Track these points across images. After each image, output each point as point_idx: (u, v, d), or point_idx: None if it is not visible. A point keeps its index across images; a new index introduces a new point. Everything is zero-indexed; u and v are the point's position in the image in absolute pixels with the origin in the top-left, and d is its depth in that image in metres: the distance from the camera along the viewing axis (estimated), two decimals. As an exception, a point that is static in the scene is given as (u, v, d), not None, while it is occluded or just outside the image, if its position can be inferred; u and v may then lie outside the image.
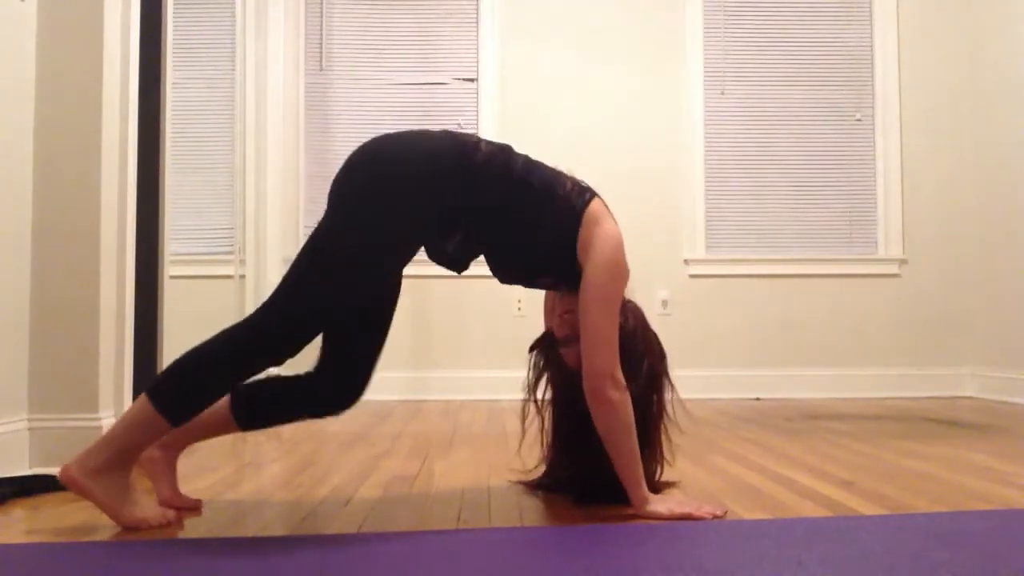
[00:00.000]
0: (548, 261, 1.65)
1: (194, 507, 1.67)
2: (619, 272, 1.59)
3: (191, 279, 3.53)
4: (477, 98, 4.18)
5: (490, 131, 4.04)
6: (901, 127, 4.27)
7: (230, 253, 3.64)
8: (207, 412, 1.58)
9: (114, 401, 2.16)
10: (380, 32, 4.23)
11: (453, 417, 3.30)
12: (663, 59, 4.26)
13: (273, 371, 1.64)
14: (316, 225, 1.60)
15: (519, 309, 4.05)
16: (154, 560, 1.31)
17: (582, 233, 1.60)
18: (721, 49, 4.29)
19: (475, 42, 4.23)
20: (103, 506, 1.50)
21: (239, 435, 2.75)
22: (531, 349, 1.80)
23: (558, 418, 1.76)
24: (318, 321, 1.57)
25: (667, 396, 1.72)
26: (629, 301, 1.74)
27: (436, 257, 1.68)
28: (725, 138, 4.28)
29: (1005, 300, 3.98)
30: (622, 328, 1.63)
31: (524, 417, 1.77)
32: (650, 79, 4.25)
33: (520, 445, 1.82)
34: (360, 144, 1.65)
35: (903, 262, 4.25)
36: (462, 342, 4.12)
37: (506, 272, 1.73)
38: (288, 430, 2.91)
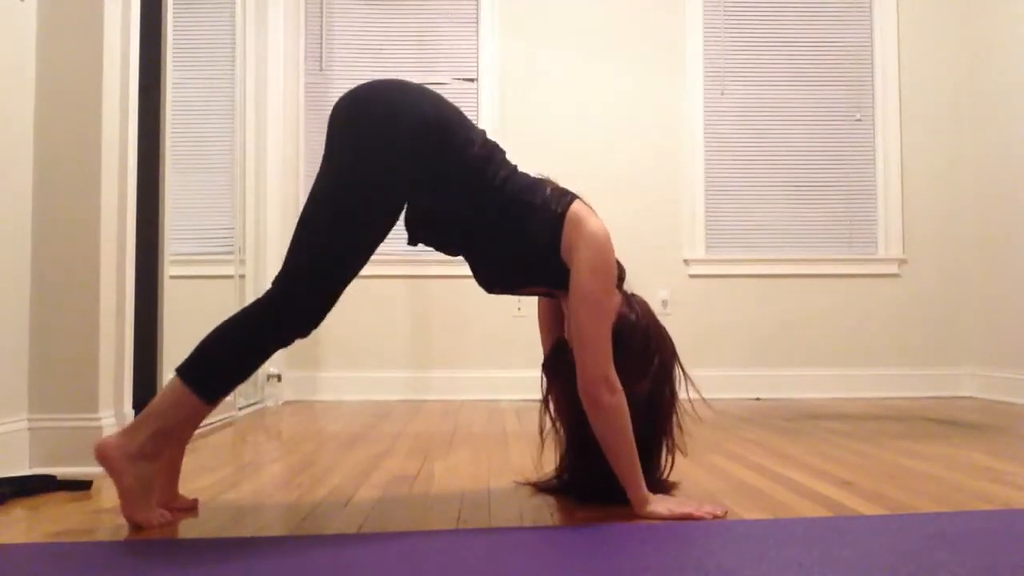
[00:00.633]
0: (537, 269, 1.65)
1: (190, 507, 1.66)
2: (604, 273, 1.59)
3: (191, 279, 3.52)
4: (477, 98, 4.18)
5: (490, 131, 4.03)
6: (901, 127, 4.27)
7: (230, 253, 3.64)
8: (167, 401, 1.54)
9: (114, 401, 2.16)
10: (380, 32, 4.23)
11: (453, 417, 3.30)
12: (663, 59, 4.26)
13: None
14: (318, 176, 1.60)
15: (519, 309, 4.04)
16: (154, 560, 1.31)
17: (564, 237, 1.60)
18: (721, 49, 4.29)
19: (475, 42, 4.23)
20: (123, 493, 1.49)
21: (239, 435, 2.76)
22: (543, 367, 1.79)
23: (572, 423, 1.72)
24: (349, 271, 1.57)
25: (680, 389, 1.71)
26: (634, 295, 1.74)
27: (408, 217, 1.66)
28: (725, 138, 4.28)
29: (1005, 300, 3.98)
30: (628, 321, 1.64)
31: (542, 429, 1.77)
32: (650, 79, 4.25)
33: (540, 456, 1.81)
34: (362, 84, 1.66)
35: (903, 262, 4.25)
36: (462, 342, 4.12)
37: (492, 280, 1.74)
38: (288, 430, 2.91)
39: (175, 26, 2.75)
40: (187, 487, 1.82)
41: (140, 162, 2.34)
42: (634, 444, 1.56)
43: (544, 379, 1.78)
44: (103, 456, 1.49)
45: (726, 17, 4.30)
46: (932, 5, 4.32)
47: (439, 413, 3.46)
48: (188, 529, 1.52)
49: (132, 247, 2.27)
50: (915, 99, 4.28)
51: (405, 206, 1.64)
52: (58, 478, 1.88)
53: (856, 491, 1.82)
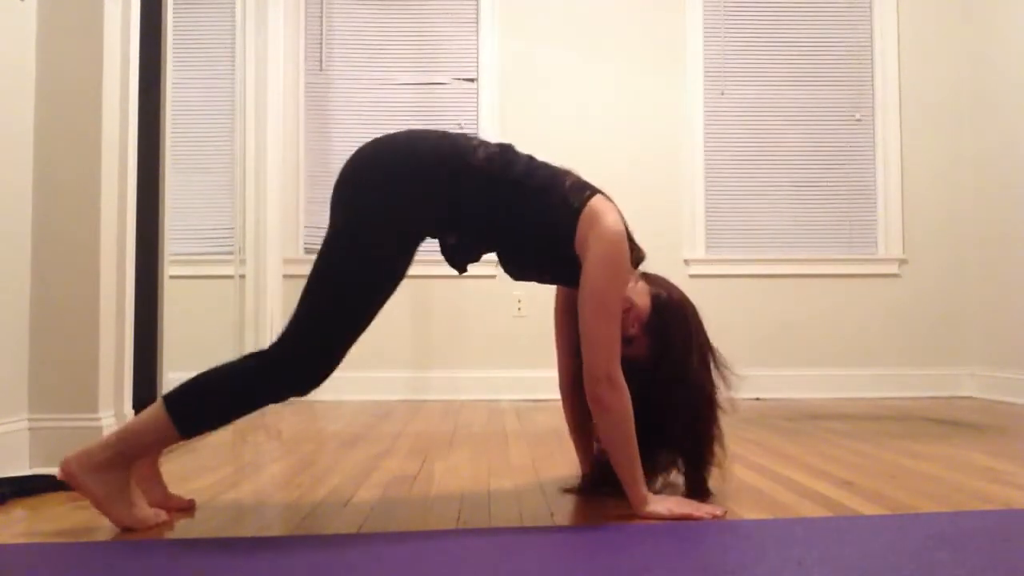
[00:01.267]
0: (553, 261, 1.66)
1: (187, 507, 1.66)
2: (616, 271, 1.59)
3: (191, 279, 3.53)
4: (477, 98, 4.18)
5: (490, 131, 4.04)
6: (901, 127, 4.27)
7: (230, 253, 3.64)
8: (145, 426, 1.54)
9: (114, 401, 2.16)
10: (380, 32, 4.22)
11: (453, 417, 3.30)
12: (663, 59, 4.26)
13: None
14: (323, 241, 1.60)
15: (519, 309, 4.05)
16: (154, 560, 1.31)
17: (579, 231, 1.60)
18: (721, 49, 4.29)
19: (475, 42, 4.23)
20: (99, 504, 1.49)
21: (239, 435, 2.76)
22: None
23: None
24: (351, 338, 1.57)
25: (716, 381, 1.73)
26: (659, 276, 1.77)
27: (442, 251, 1.69)
28: (725, 138, 4.27)
29: (1005, 300, 3.98)
30: (660, 300, 1.67)
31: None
32: (650, 79, 4.25)
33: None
34: (357, 148, 1.66)
35: (903, 262, 4.25)
36: (462, 342, 4.12)
37: (516, 270, 1.74)
38: (288, 430, 2.91)
39: (175, 26, 2.75)
40: (187, 487, 1.83)
41: (140, 162, 2.33)
42: (636, 443, 1.56)
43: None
44: (66, 475, 1.49)
45: (726, 17, 4.30)
46: (932, 5, 4.32)
47: (439, 413, 3.45)
48: (188, 529, 1.52)
49: (132, 247, 2.27)
50: (915, 99, 4.28)
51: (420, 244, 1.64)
52: (58, 478, 1.88)
53: (856, 491, 1.82)
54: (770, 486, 1.88)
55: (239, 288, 3.61)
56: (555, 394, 1.93)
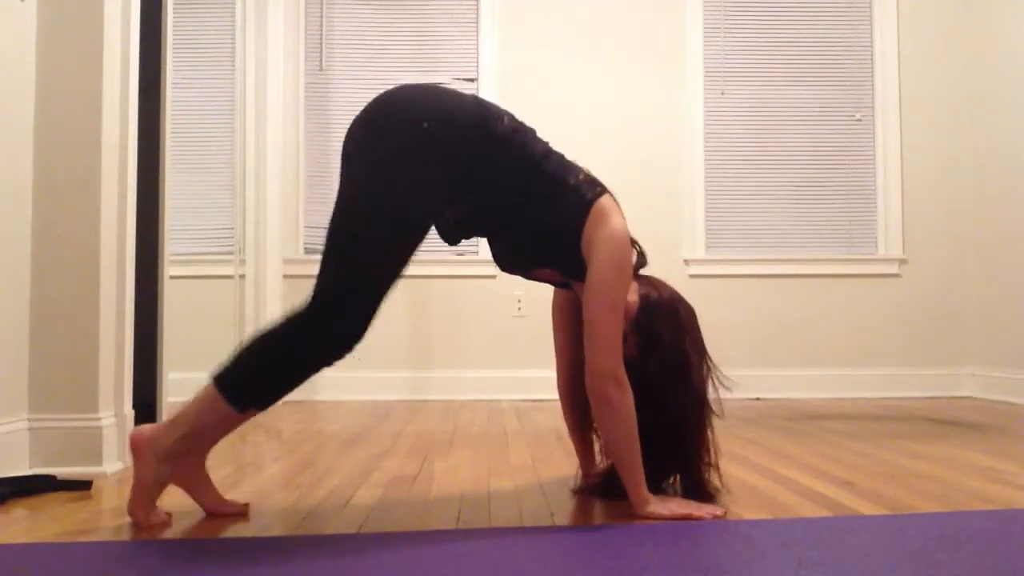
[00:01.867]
0: (552, 250, 1.66)
1: (242, 511, 1.62)
2: (623, 271, 1.60)
3: (191, 279, 3.53)
4: (477, 98, 4.18)
5: (490, 131, 4.04)
6: (901, 127, 4.27)
7: (230, 253, 3.64)
8: (200, 405, 1.54)
9: (114, 401, 2.16)
10: (380, 32, 4.23)
11: (453, 417, 3.30)
12: (663, 59, 4.26)
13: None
14: (338, 196, 1.57)
15: (519, 309, 4.05)
16: (154, 560, 1.31)
17: (587, 227, 1.60)
18: (721, 49, 4.29)
19: (475, 42, 4.23)
20: (139, 486, 1.51)
21: (239, 436, 2.76)
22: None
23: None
24: (384, 289, 1.54)
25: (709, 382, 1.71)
26: (654, 278, 1.76)
27: (438, 226, 1.66)
28: (725, 138, 4.28)
29: (1005, 300, 3.98)
30: (650, 299, 1.66)
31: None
32: (650, 79, 4.25)
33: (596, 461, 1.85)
34: (384, 92, 1.64)
35: (903, 262, 4.25)
36: (462, 342, 4.12)
37: (508, 257, 1.73)
38: (288, 430, 2.91)
39: (175, 26, 2.75)
40: (187, 487, 1.82)
41: (140, 162, 2.33)
42: (638, 442, 1.56)
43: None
44: (135, 446, 1.52)
45: (726, 17, 4.30)
46: (932, 5, 4.32)
47: (439, 413, 3.45)
48: (187, 529, 1.52)
49: (132, 247, 2.27)
50: (915, 99, 4.28)
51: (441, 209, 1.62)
52: (58, 478, 1.88)
53: (856, 491, 1.82)
54: (770, 486, 1.88)
55: (239, 288, 3.61)
56: (555, 394, 1.93)
